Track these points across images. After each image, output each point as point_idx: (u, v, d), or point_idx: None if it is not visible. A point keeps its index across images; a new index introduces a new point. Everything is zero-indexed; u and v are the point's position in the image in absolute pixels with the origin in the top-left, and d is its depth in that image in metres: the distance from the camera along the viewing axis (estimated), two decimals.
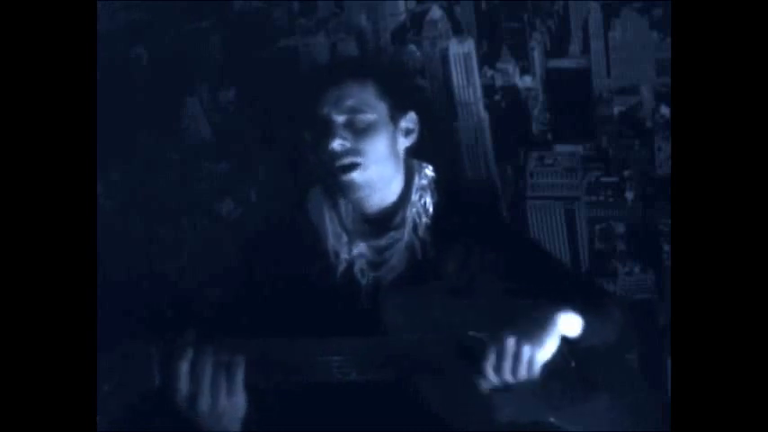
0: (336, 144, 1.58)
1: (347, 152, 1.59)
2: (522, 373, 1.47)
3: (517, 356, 1.47)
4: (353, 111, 1.60)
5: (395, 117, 1.65)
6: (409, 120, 1.68)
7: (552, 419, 1.57)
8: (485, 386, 1.50)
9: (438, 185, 1.70)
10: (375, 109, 1.61)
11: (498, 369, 1.47)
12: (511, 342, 1.47)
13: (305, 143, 1.63)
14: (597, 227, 18.68)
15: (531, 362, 1.47)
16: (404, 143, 1.68)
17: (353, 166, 1.59)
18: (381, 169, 1.63)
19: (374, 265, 1.64)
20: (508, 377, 1.47)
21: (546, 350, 1.49)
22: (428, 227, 1.65)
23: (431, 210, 1.67)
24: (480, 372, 1.48)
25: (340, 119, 1.59)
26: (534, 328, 1.49)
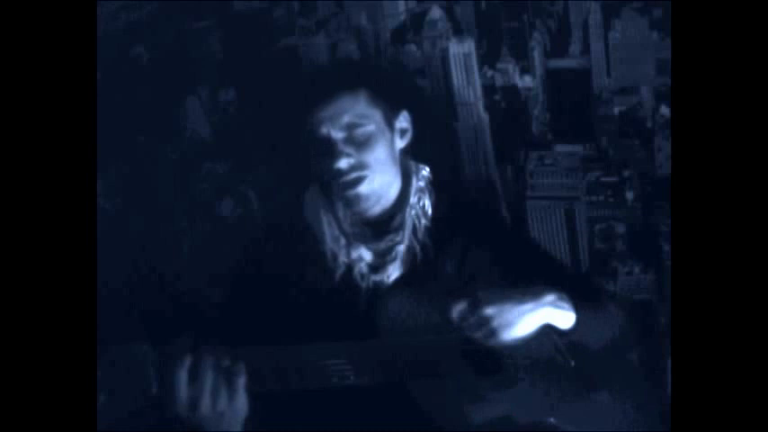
0: (342, 163, 1.58)
1: (352, 168, 1.59)
2: (478, 332, 1.47)
3: (482, 317, 1.47)
4: (351, 126, 1.59)
5: (390, 121, 1.64)
6: (403, 119, 1.67)
7: (552, 419, 1.57)
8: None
9: (435, 186, 1.70)
10: (371, 118, 1.60)
11: (461, 317, 1.48)
12: (483, 300, 1.47)
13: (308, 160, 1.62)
14: (597, 227, 18.65)
15: (489, 325, 1.47)
16: (400, 144, 1.67)
17: (359, 180, 1.59)
18: (384, 176, 1.63)
19: (374, 268, 1.63)
20: (466, 330, 1.48)
21: (515, 325, 1.48)
22: (427, 229, 1.65)
23: (430, 212, 1.67)
24: (450, 315, 1.48)
25: (340, 135, 1.58)
26: (512, 297, 1.49)
